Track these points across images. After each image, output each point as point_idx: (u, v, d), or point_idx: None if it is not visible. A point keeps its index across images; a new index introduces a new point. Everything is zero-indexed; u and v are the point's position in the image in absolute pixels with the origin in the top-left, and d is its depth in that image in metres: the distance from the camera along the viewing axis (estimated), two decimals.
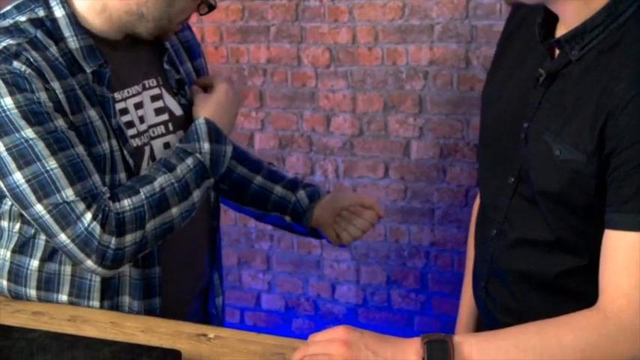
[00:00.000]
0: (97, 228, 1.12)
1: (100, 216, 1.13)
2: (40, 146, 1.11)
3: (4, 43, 1.13)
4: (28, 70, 1.12)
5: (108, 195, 1.15)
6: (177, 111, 1.34)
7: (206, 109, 1.29)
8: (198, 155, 1.23)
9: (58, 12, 1.19)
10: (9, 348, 1.11)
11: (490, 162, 1.23)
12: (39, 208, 1.13)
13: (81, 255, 1.14)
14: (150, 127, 1.29)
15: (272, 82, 2.60)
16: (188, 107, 1.35)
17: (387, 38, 2.41)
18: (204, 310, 1.47)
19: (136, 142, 1.25)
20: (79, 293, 1.25)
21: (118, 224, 1.14)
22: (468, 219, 2.46)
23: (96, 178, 1.15)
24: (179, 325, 1.20)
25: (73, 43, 1.18)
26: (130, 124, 1.25)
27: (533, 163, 1.10)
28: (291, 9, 2.51)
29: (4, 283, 1.28)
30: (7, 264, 1.27)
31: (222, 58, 2.64)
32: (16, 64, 1.11)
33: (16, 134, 1.11)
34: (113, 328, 1.19)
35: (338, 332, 0.99)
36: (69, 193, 1.12)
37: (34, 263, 1.25)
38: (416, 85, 2.41)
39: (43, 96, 1.12)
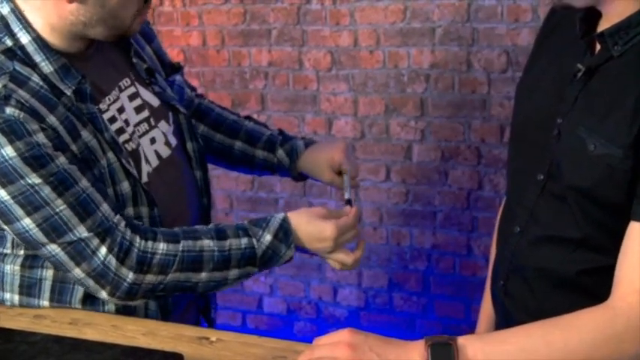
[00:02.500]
0: (112, 261, 1.14)
1: (117, 249, 1.14)
2: (47, 190, 1.11)
3: None
4: (22, 114, 1.09)
5: (123, 224, 1.16)
6: (154, 102, 1.34)
7: (297, 215, 1.26)
8: (254, 240, 1.22)
9: (24, 38, 1.15)
10: (10, 351, 1.11)
11: (520, 158, 1.22)
12: (53, 247, 1.14)
13: (96, 286, 1.17)
14: (135, 126, 1.28)
15: (274, 85, 2.61)
16: (163, 94, 1.35)
17: (389, 41, 2.41)
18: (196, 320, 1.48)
19: (130, 147, 1.25)
20: (60, 298, 1.25)
21: (143, 262, 1.16)
22: (469, 222, 2.47)
23: (105, 208, 1.15)
24: (180, 328, 1.20)
25: (46, 67, 1.16)
26: (121, 131, 1.25)
27: (565, 159, 1.08)
28: (293, 12, 2.51)
29: (16, 297, 1.27)
30: (18, 278, 1.26)
31: (224, 62, 2.64)
32: (8, 110, 1.09)
33: (21, 181, 1.10)
34: (114, 331, 1.19)
35: (342, 335, 0.99)
36: (81, 230, 1.13)
37: (16, 269, 1.25)
38: (417, 88, 2.41)
39: (40, 137, 1.10)
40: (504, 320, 1.26)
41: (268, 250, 1.23)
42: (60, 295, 1.25)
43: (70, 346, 1.12)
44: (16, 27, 1.16)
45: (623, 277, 0.97)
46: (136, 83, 1.32)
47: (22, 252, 1.23)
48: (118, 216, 1.16)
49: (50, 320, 1.22)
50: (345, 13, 2.44)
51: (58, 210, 1.11)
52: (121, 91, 1.28)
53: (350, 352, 0.96)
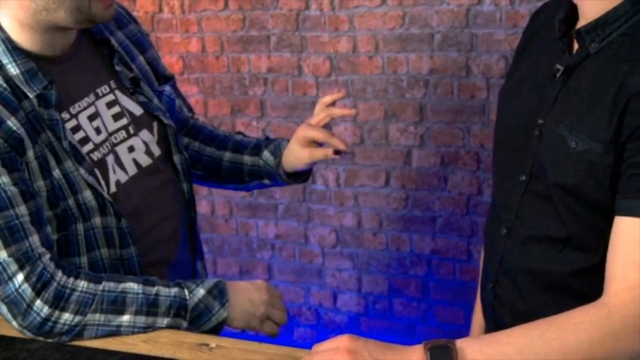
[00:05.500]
0: (28, 291, 1.11)
1: (34, 279, 1.11)
2: None
3: None
4: None
5: (48, 257, 1.13)
6: (137, 111, 1.32)
7: (232, 282, 1.26)
8: (186, 291, 1.20)
9: None
10: (11, 359, 1.11)
11: (503, 161, 1.23)
12: None
13: (8, 314, 1.13)
14: (110, 134, 1.27)
15: (273, 91, 2.61)
16: (148, 104, 1.34)
17: (388, 47, 2.41)
18: None
19: (95, 156, 1.23)
20: None
21: (60, 297, 1.13)
22: (469, 227, 2.48)
23: (34, 239, 1.12)
24: (180, 334, 1.20)
25: (12, 69, 1.15)
26: (85, 140, 1.23)
27: (548, 158, 1.09)
28: (292, 18, 2.52)
29: None
30: None
31: (224, 68, 2.64)
32: None
33: None
34: (114, 338, 1.18)
35: (342, 341, 0.99)
36: (2, 254, 1.10)
37: None
38: (416, 93, 2.42)
39: None
40: (494, 325, 1.26)
41: (200, 304, 1.20)
42: None
43: (70, 354, 1.12)
44: None
45: (614, 274, 0.97)
46: (117, 91, 1.30)
47: None
48: (44, 249, 1.13)
49: None
50: (344, 19, 2.45)
51: None
52: (97, 97, 1.27)
53: (349, 358, 0.96)
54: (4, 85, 1.14)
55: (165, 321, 1.18)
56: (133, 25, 1.41)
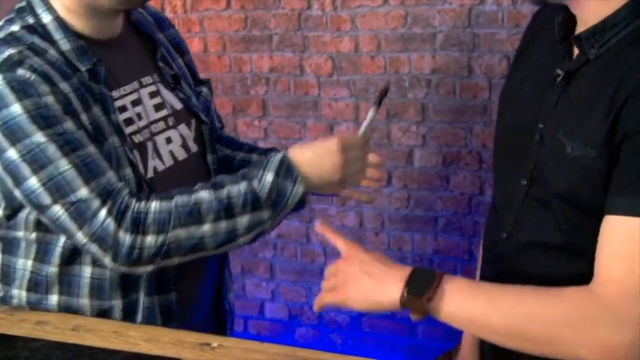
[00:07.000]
0: (111, 224, 1.13)
1: (116, 212, 1.14)
2: (52, 149, 1.12)
3: (6, 53, 1.15)
4: (33, 76, 1.13)
5: (127, 191, 1.16)
6: (178, 105, 1.36)
7: (297, 147, 1.23)
8: (255, 182, 1.18)
9: (46, 18, 1.21)
10: (13, 358, 1.12)
11: (504, 163, 1.23)
12: (56, 208, 1.14)
13: (99, 252, 1.15)
14: (150, 123, 1.30)
15: (275, 91, 2.61)
16: (188, 100, 1.37)
17: (390, 47, 2.41)
18: (216, 310, 1.48)
19: (137, 139, 1.26)
20: (99, 295, 1.25)
21: (136, 223, 1.14)
22: (471, 227, 2.47)
23: (110, 175, 1.16)
24: (182, 334, 1.20)
25: (64, 45, 1.20)
26: (130, 121, 1.26)
27: (547, 164, 1.09)
28: (294, 18, 2.52)
29: (24, 293, 1.27)
30: (28, 273, 1.26)
31: (225, 68, 2.64)
32: (20, 71, 1.13)
33: (27, 140, 1.12)
34: (116, 337, 1.19)
35: (338, 266, 1.12)
36: (84, 192, 1.13)
37: (53, 270, 1.25)
38: (418, 93, 2.42)
39: (50, 100, 1.13)
40: None
41: (272, 191, 1.18)
42: (99, 292, 1.25)
43: (72, 353, 1.12)
44: (39, 9, 1.22)
45: (602, 266, 0.97)
46: (159, 84, 1.34)
47: (33, 246, 1.24)
48: (120, 183, 1.16)
49: (52, 327, 1.22)
50: (345, 19, 2.45)
51: (62, 169, 1.12)
52: (141, 86, 1.31)
53: (345, 278, 1.08)
54: (58, 56, 1.19)
55: (246, 219, 1.18)
56: (173, 30, 1.47)
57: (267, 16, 2.54)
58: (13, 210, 1.23)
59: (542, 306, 0.97)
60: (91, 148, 1.15)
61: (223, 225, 1.17)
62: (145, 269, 1.18)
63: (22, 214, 1.24)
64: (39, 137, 1.12)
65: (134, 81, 1.30)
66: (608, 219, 0.98)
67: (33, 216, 1.22)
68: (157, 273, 1.24)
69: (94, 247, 1.15)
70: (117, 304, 1.26)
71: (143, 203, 1.16)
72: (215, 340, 1.17)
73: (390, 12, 2.38)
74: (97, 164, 1.15)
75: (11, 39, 1.18)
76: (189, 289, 1.35)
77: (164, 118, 1.32)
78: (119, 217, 1.14)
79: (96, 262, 1.22)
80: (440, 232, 2.50)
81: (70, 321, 1.24)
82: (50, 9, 1.22)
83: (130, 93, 1.28)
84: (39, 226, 1.23)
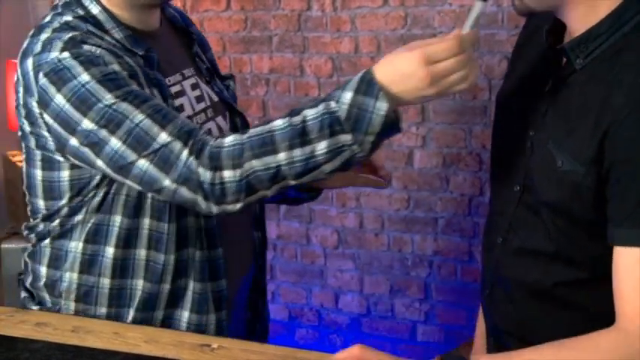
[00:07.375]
0: (193, 162, 1.11)
1: (196, 150, 1.12)
2: (124, 105, 1.13)
3: (68, 35, 1.18)
4: (99, 50, 1.17)
5: (203, 131, 1.16)
6: (214, 97, 1.39)
7: (379, 66, 1.10)
8: (332, 103, 1.06)
9: (95, 9, 1.25)
10: (13, 359, 1.12)
11: (499, 169, 1.24)
12: (142, 162, 1.13)
13: (190, 195, 1.13)
14: (194, 114, 1.32)
15: (275, 91, 2.61)
16: (222, 93, 1.41)
17: (390, 48, 2.41)
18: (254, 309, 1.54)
19: None
20: (145, 307, 1.27)
21: (212, 157, 1.11)
22: (471, 228, 2.47)
23: (183, 117, 1.17)
24: (182, 335, 1.20)
25: (117, 33, 1.24)
26: (181, 108, 1.28)
27: (537, 173, 1.10)
28: (294, 19, 2.52)
29: (72, 304, 1.28)
30: (75, 285, 1.27)
31: (225, 69, 2.64)
32: (86, 47, 1.16)
33: (100, 104, 1.13)
34: (116, 338, 1.19)
35: (353, 351, 0.98)
36: (164, 137, 1.12)
37: (105, 281, 1.25)
38: None
39: (116, 67, 1.16)
40: (491, 329, 1.27)
41: (352, 108, 1.05)
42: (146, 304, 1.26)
43: (72, 354, 1.12)
44: (86, 1, 1.25)
45: (625, 302, 0.97)
46: (197, 76, 1.37)
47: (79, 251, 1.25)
48: (193, 126, 1.16)
49: (52, 328, 1.22)
50: (345, 20, 2.45)
51: (138, 121, 1.13)
52: (183, 78, 1.33)
53: None
54: (115, 42, 1.23)
55: (324, 144, 1.06)
56: (194, 28, 1.49)
57: (267, 17, 2.55)
58: (78, 196, 1.24)
59: (582, 356, 0.96)
60: (159, 100, 1.18)
61: (299, 152, 1.08)
62: (234, 207, 1.14)
63: (78, 217, 1.25)
64: (110, 99, 1.13)
65: (177, 73, 1.32)
66: (620, 251, 0.98)
67: (98, 198, 1.22)
68: (207, 260, 1.27)
69: (184, 191, 1.12)
70: (159, 316, 1.28)
71: (219, 140, 1.13)
72: (215, 342, 1.17)
73: (390, 13, 2.39)
74: (168, 110, 1.16)
75: (67, 27, 1.20)
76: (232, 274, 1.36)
77: (204, 110, 1.34)
78: (198, 154, 1.12)
79: (150, 245, 1.23)
80: (440, 233, 2.50)
81: (69, 322, 1.24)
82: (97, 1, 1.25)
83: (174, 84, 1.30)
84: (87, 235, 1.24)
